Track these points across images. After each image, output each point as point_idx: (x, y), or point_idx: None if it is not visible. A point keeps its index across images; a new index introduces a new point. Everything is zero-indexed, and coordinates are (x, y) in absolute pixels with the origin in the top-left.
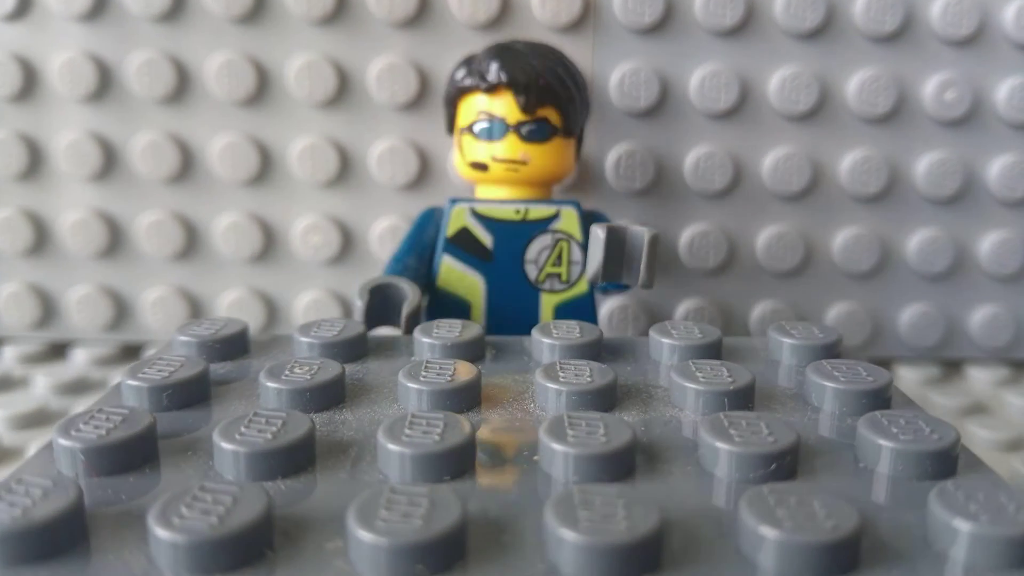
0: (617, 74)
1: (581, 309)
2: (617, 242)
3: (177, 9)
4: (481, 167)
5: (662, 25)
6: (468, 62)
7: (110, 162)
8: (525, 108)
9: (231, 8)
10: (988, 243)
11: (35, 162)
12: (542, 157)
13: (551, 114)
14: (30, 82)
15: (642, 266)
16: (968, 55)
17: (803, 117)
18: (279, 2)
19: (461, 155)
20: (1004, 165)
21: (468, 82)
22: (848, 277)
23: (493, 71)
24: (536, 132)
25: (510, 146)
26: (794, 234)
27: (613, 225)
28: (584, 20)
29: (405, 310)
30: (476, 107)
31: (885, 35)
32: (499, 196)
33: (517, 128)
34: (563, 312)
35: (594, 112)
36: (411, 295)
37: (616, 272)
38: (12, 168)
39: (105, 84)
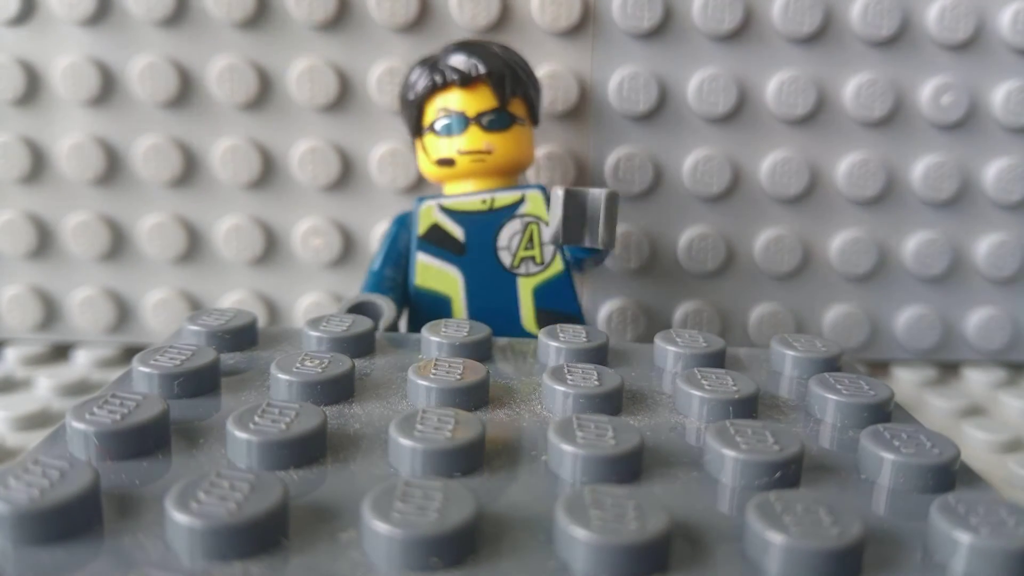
0: (616, 78)
1: (559, 289)
2: (576, 204)
3: (179, 13)
4: (448, 163)
5: (661, 29)
6: (426, 63)
7: (113, 165)
8: (501, 99)
9: (233, 12)
10: (985, 246)
11: (38, 165)
12: (505, 145)
13: (518, 103)
14: (33, 86)
15: (600, 225)
16: (965, 59)
17: (801, 121)
18: (281, 7)
19: (426, 156)
20: (1001, 168)
21: (438, 79)
22: (846, 280)
23: (469, 65)
24: (496, 121)
25: (473, 138)
26: (792, 237)
27: (571, 188)
28: (583, 25)
29: (381, 326)
30: (435, 106)
31: (882, 39)
32: (466, 190)
33: (478, 119)
34: (542, 293)
35: (593, 116)
36: (387, 311)
37: (577, 234)
38: (15, 171)
39: (108, 88)
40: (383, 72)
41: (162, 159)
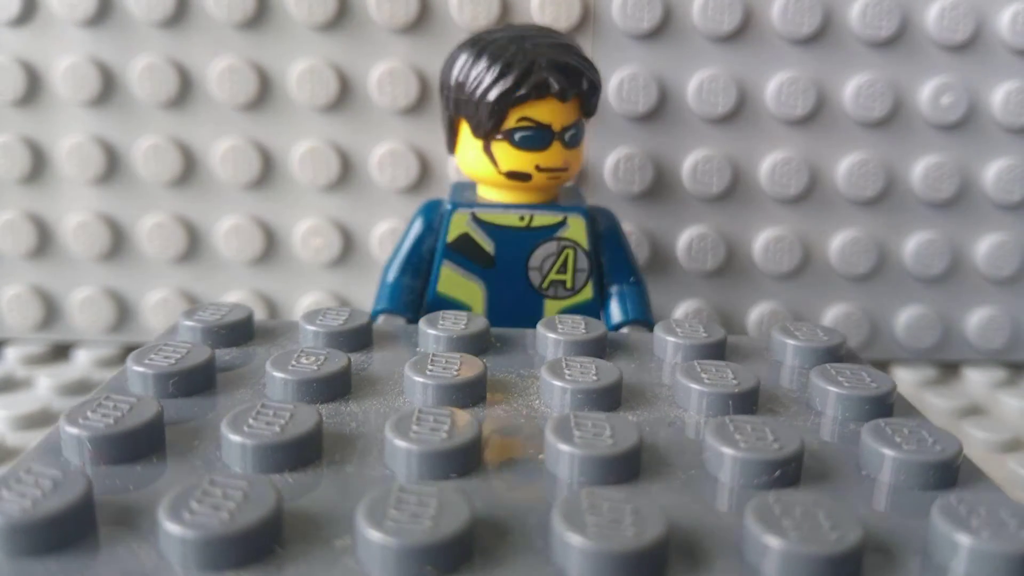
0: (616, 79)
1: (585, 315)
2: None
3: (180, 14)
4: (522, 177)
5: (661, 30)
6: (509, 62)
7: (113, 165)
8: (587, 113)
9: (233, 13)
10: (985, 246)
11: (39, 165)
12: (576, 161)
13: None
14: (34, 86)
15: None
16: (964, 60)
17: (801, 121)
18: (281, 7)
19: (489, 161)
20: (1000, 168)
21: (537, 86)
22: (846, 280)
23: (572, 76)
24: (576, 136)
25: (554, 154)
26: (792, 237)
27: None
28: (583, 25)
29: None
30: (517, 113)
31: (882, 40)
32: (502, 199)
33: (561, 135)
34: None
35: (593, 116)
36: None
37: None
38: (16, 171)
39: (108, 88)
40: (383, 72)
41: (162, 159)
